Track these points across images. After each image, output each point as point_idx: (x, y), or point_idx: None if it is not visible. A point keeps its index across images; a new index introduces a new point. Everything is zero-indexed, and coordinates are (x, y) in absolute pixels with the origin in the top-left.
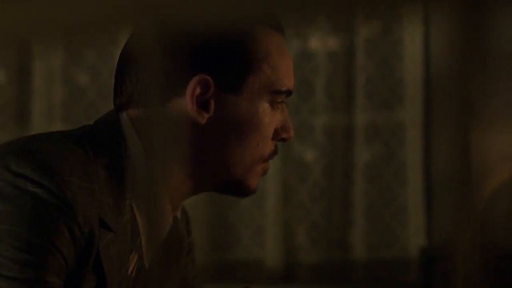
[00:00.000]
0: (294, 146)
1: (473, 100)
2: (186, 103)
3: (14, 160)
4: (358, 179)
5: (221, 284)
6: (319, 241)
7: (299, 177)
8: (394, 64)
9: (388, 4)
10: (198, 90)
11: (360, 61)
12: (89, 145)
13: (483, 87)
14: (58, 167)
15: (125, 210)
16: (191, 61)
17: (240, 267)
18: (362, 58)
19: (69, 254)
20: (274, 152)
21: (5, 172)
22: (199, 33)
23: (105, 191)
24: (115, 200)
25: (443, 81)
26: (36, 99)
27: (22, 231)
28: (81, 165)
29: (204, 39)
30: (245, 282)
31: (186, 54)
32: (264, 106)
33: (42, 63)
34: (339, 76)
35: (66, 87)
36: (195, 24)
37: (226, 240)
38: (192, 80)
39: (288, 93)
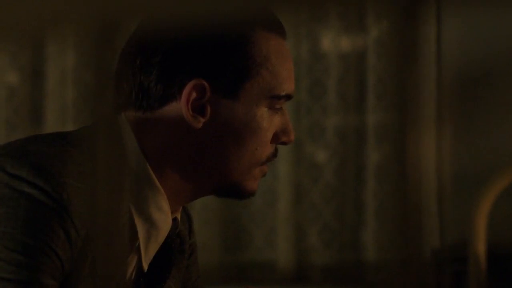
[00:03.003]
0: (306, 147)
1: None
2: (182, 107)
3: (9, 161)
4: (370, 180)
5: (233, 285)
6: (331, 242)
7: (310, 178)
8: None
9: (400, 3)
10: (193, 95)
11: (371, 62)
12: (87, 146)
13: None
14: (54, 168)
15: (122, 212)
16: (188, 65)
17: (252, 268)
18: (373, 58)
19: (64, 256)
20: (274, 155)
21: (1, 173)
22: (197, 36)
23: None
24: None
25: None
26: (49, 100)
27: (17, 232)
28: (77, 166)
29: (202, 43)
30: (257, 283)
31: (183, 58)
32: (262, 111)
33: (55, 64)
34: (351, 76)
35: (78, 88)
36: (192, 27)
37: (238, 241)
38: (188, 84)
39: (288, 97)
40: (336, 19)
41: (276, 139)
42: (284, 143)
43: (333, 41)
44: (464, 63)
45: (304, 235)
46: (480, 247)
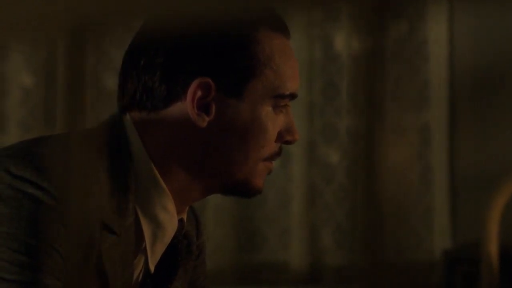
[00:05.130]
0: (319, 148)
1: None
2: (187, 106)
3: (13, 162)
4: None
5: (246, 286)
6: (344, 243)
7: (324, 179)
8: (419, 65)
9: (413, 4)
10: (199, 93)
11: (385, 62)
12: (92, 147)
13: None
14: (58, 169)
15: (128, 213)
16: (192, 65)
17: (266, 269)
18: (387, 59)
19: (68, 256)
20: (278, 154)
21: (5, 174)
22: (201, 36)
23: (107, 194)
24: (118, 202)
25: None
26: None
27: (20, 233)
28: (82, 168)
29: (206, 42)
30: (271, 284)
31: (187, 57)
32: (267, 110)
33: (70, 65)
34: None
35: (93, 89)
36: (197, 26)
37: (251, 242)
38: (193, 83)
39: (292, 96)
40: (348, 20)
41: (280, 138)
42: (288, 142)
43: (346, 42)
44: (476, 64)
45: (317, 236)
46: (493, 248)
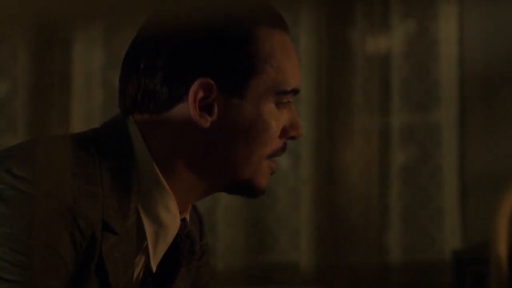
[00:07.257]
0: (329, 149)
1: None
2: (189, 107)
3: (15, 162)
4: (394, 182)
5: (256, 286)
6: (354, 243)
7: (334, 180)
8: (429, 65)
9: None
10: (200, 94)
11: (396, 62)
12: (94, 148)
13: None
14: (59, 169)
15: (130, 213)
16: (192, 66)
17: (276, 269)
18: (397, 59)
19: (69, 257)
20: (282, 150)
21: (6, 174)
22: (200, 36)
23: (109, 194)
24: (120, 202)
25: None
26: (76, 102)
27: (22, 233)
28: (84, 168)
29: (205, 42)
30: (281, 284)
31: (187, 58)
32: (270, 107)
33: (81, 65)
34: (375, 77)
35: (104, 89)
36: (196, 26)
37: (262, 243)
38: (194, 83)
39: (294, 92)
40: (358, 19)
41: (284, 134)
42: (293, 138)
43: (355, 42)
44: (486, 64)
45: (327, 236)
46: (502, 248)
